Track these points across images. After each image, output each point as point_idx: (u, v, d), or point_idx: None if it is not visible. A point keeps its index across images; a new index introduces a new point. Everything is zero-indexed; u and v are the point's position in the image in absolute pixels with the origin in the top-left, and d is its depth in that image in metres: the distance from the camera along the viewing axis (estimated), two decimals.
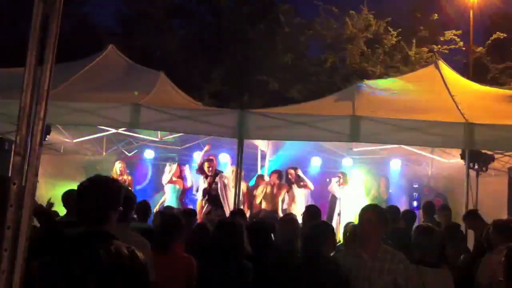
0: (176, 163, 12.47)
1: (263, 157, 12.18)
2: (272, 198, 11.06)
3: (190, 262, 4.63)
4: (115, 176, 12.01)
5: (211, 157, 11.76)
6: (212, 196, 11.02)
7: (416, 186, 13.84)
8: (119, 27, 27.78)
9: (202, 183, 11.41)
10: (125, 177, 12.14)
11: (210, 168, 11.29)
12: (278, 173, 11.43)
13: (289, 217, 6.32)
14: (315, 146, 12.44)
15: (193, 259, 4.64)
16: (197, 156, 13.22)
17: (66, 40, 24.22)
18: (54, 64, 2.06)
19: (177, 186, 12.03)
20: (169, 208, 9.51)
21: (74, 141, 12.06)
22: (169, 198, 11.96)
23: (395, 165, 12.89)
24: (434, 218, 8.65)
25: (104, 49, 12.17)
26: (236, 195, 8.99)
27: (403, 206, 12.42)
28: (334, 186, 11.72)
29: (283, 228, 5.92)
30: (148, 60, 19.03)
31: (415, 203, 13.21)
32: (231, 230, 4.60)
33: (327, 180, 12.06)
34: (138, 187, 13.40)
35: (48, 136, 9.28)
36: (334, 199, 11.80)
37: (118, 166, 12.20)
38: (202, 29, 26.00)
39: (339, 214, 11.10)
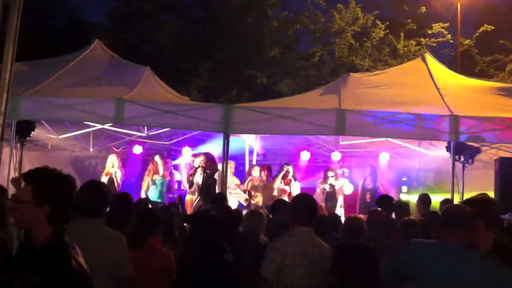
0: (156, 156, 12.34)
1: (251, 151, 12.16)
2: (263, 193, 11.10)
3: (167, 257, 4.61)
4: (109, 169, 11.96)
5: (207, 152, 11.69)
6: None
7: (405, 179, 13.86)
8: (108, 22, 27.70)
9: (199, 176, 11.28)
10: (116, 170, 12.08)
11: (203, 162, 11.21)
12: (267, 168, 11.46)
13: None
14: (304, 140, 12.43)
15: (171, 253, 4.62)
16: (186, 151, 13.19)
17: (55, 36, 24.24)
18: (14, 57, 2.01)
19: (163, 179, 11.90)
20: (143, 200, 9.21)
21: (60, 137, 11.95)
22: (152, 192, 11.79)
23: (384, 159, 12.88)
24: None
25: (90, 44, 12.07)
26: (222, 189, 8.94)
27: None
28: (330, 181, 11.66)
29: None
30: (136, 54, 18.96)
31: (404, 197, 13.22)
32: (209, 224, 4.57)
33: (323, 176, 11.95)
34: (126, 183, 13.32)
35: (32, 132, 9.22)
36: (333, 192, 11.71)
37: (112, 159, 12.09)
38: (190, 23, 25.89)
39: (341, 206, 11.42)
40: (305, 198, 4.94)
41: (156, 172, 12.08)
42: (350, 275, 4.90)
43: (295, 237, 4.55)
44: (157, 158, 12.32)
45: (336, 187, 11.57)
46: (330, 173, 11.63)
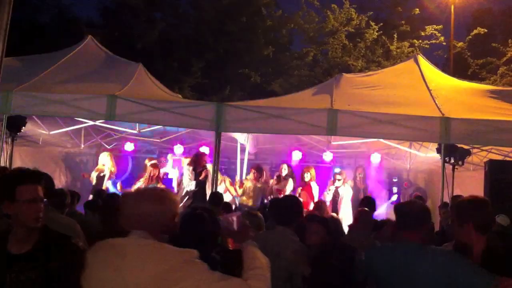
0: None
1: (243, 150, 12.17)
2: (254, 193, 11.11)
3: None
4: (100, 167, 12.03)
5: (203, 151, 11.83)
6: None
7: (395, 180, 13.91)
8: (100, 19, 27.61)
9: (188, 176, 11.28)
10: (112, 169, 12.14)
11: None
12: (256, 168, 11.45)
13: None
14: (295, 140, 12.45)
15: None
16: (178, 149, 13.21)
17: (48, 32, 24.11)
18: (5, 52, 2.02)
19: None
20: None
21: (51, 133, 11.94)
22: None
23: (375, 159, 12.93)
24: None
25: (83, 40, 12.03)
26: (213, 187, 8.94)
27: (383, 200, 12.56)
28: (336, 183, 11.69)
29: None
30: (130, 52, 18.89)
31: (395, 197, 13.28)
32: (200, 222, 4.57)
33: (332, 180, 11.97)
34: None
35: (23, 127, 9.21)
36: (336, 196, 11.71)
37: (103, 158, 12.20)
38: (183, 21, 25.84)
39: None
40: (286, 199, 5.31)
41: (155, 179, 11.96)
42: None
43: (270, 235, 4.76)
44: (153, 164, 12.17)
45: (340, 194, 11.56)
46: (338, 176, 11.63)
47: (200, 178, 10.95)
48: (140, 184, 11.62)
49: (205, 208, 5.07)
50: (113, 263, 2.52)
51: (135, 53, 20.11)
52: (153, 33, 23.47)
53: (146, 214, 2.64)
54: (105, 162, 12.17)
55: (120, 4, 24.97)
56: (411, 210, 3.66)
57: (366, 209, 7.37)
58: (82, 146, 13.42)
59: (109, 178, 12.04)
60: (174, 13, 25.80)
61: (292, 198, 5.41)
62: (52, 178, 5.19)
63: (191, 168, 11.12)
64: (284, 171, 11.62)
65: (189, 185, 10.85)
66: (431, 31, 23.04)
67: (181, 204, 10.46)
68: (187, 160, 11.50)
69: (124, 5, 24.56)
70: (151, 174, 11.63)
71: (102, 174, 11.99)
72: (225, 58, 23.27)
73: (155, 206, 2.67)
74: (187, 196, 10.71)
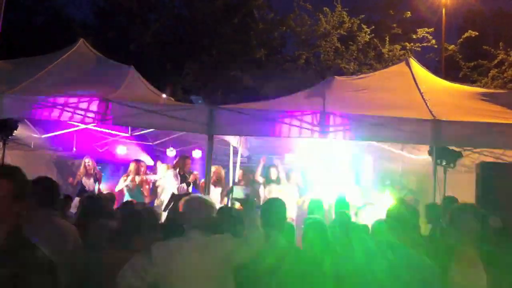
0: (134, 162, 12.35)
1: (236, 153, 12.16)
2: None
3: None
4: (82, 170, 12.10)
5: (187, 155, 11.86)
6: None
7: (388, 183, 13.89)
8: (93, 20, 27.59)
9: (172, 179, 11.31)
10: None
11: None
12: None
13: None
14: (289, 143, 12.44)
15: None
16: (170, 153, 13.20)
17: (42, 33, 24.06)
18: None
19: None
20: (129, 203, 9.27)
21: (43, 136, 11.88)
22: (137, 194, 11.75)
23: (367, 162, 12.94)
24: None
25: (75, 43, 11.97)
26: (206, 191, 8.93)
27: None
28: None
29: None
30: (122, 53, 18.87)
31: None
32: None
33: None
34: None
35: (15, 131, 9.16)
36: None
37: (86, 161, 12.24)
38: (176, 23, 25.83)
39: None
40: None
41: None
42: None
43: None
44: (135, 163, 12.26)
45: None
46: None
47: (189, 180, 11.07)
48: (128, 180, 11.69)
49: None
50: (191, 251, 3.96)
51: (129, 54, 20.08)
52: (147, 34, 23.44)
53: (202, 217, 4.10)
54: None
55: (114, 5, 24.93)
56: None
57: None
58: (74, 149, 13.35)
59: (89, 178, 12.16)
60: (168, 15, 25.76)
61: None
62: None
63: (176, 171, 11.18)
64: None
65: (174, 188, 10.97)
66: (423, 34, 23.18)
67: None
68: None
69: (118, 7, 24.51)
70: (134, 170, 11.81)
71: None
72: (218, 60, 23.25)
73: (206, 212, 4.17)
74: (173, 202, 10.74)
